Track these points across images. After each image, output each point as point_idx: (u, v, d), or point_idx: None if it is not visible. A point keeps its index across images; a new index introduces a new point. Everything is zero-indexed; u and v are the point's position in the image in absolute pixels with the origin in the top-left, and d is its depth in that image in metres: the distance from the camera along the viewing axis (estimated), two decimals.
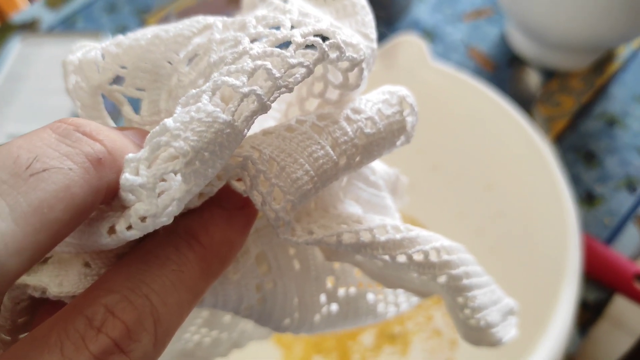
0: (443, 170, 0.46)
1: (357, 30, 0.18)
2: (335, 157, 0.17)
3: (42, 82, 0.63)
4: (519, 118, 0.39)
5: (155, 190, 0.13)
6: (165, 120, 0.13)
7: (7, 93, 0.62)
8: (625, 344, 0.44)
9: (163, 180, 0.13)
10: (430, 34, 0.63)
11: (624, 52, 0.60)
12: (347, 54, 0.16)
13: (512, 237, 0.40)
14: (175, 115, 0.14)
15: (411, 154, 0.47)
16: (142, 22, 0.68)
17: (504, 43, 0.61)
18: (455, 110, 0.43)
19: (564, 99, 0.57)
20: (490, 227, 0.42)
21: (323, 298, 0.22)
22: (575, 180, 0.50)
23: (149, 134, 0.14)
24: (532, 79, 0.58)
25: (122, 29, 0.68)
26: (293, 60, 0.15)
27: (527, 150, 0.38)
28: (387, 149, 0.19)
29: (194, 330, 0.23)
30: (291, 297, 0.21)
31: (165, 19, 0.67)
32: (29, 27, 0.71)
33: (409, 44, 0.43)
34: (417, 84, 0.43)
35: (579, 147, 0.53)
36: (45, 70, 0.64)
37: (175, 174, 0.13)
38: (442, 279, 0.19)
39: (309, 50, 0.16)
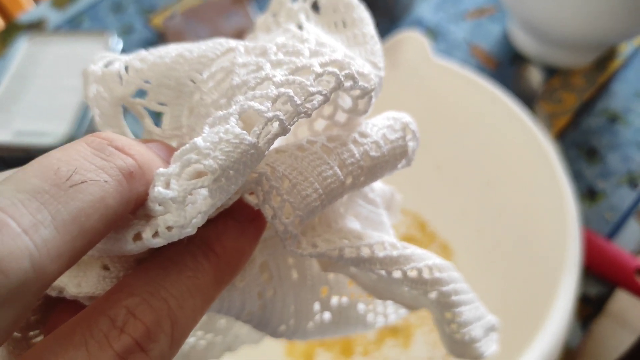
0: (446, 167, 0.46)
1: (366, 59, 0.19)
2: (342, 177, 0.18)
3: (49, 81, 0.63)
4: (521, 114, 0.39)
5: (184, 204, 0.14)
6: (195, 139, 0.14)
7: (14, 91, 0.62)
8: (626, 339, 0.44)
9: (190, 194, 0.14)
10: (432, 32, 0.64)
11: (626, 49, 0.60)
12: (359, 84, 0.17)
13: (514, 232, 0.40)
14: (204, 135, 0.15)
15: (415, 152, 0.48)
16: (148, 22, 0.69)
17: (507, 41, 0.62)
18: (458, 107, 0.44)
19: (566, 96, 0.57)
20: (493, 223, 0.43)
21: (317, 306, 0.22)
22: (577, 176, 0.51)
23: (179, 151, 0.15)
24: (535, 77, 0.58)
25: (128, 29, 0.69)
26: (313, 89, 0.16)
27: (529, 146, 0.38)
28: (389, 171, 0.20)
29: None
30: (289, 304, 0.22)
31: (170, 19, 0.67)
32: (36, 26, 0.72)
33: (411, 40, 0.43)
34: (420, 81, 0.44)
35: (581, 143, 0.53)
36: (52, 69, 0.65)
37: (202, 188, 0.14)
38: (432, 294, 0.20)
39: (325, 78, 0.17)
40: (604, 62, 0.59)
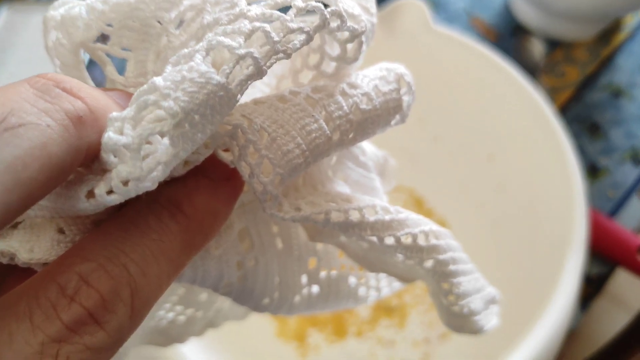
0: (444, 140, 0.44)
1: (357, 3, 0.18)
2: (328, 132, 0.16)
3: (30, 51, 0.61)
4: (524, 84, 0.37)
5: (139, 152, 0.12)
6: (155, 78, 0.13)
7: None
8: (622, 320, 0.43)
9: (148, 142, 0.13)
10: (431, 2, 0.61)
11: (631, 21, 0.58)
12: (348, 24, 0.16)
13: (516, 209, 0.39)
14: (165, 73, 0.13)
15: (411, 124, 0.46)
16: None
17: (508, 12, 0.59)
18: (459, 77, 0.42)
19: (569, 70, 0.55)
20: (494, 200, 0.41)
21: (304, 279, 0.21)
22: (579, 153, 0.49)
23: (136, 92, 0.13)
24: (536, 49, 0.56)
25: None
26: (293, 25, 0.14)
27: (533, 118, 0.37)
28: (382, 127, 0.18)
29: (168, 307, 0.23)
30: (272, 276, 0.20)
31: None
32: None
33: (409, 6, 0.41)
34: (419, 49, 0.41)
35: (584, 118, 0.52)
36: (34, 39, 0.62)
37: (162, 136, 0.12)
38: (429, 263, 0.19)
39: (308, 18, 0.15)
40: (608, 34, 0.57)
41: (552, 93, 0.53)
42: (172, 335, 0.24)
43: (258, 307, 0.21)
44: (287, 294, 0.21)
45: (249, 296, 0.20)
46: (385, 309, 0.41)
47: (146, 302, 0.13)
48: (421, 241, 0.19)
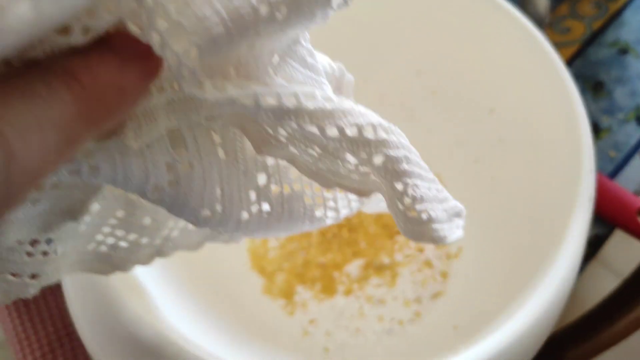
0: (443, 94, 0.42)
1: None
2: (254, 2, 0.14)
3: None
4: (532, 31, 0.35)
5: None
6: None
7: None
8: (611, 284, 0.43)
9: None
10: None
11: None
12: None
13: (519, 166, 0.37)
14: None
15: (408, 77, 0.44)
16: None
17: None
18: (459, 25, 0.39)
19: (574, 25, 0.53)
20: (494, 156, 0.39)
21: (253, 195, 0.20)
22: None
23: None
24: (541, 3, 0.54)
25: None
26: None
27: (539, 69, 0.35)
28: (321, 7, 0.16)
29: (107, 231, 0.22)
30: (212, 185, 0.19)
31: None
32: None
33: None
34: None
35: (588, 76, 0.50)
36: None
37: None
38: (378, 159, 0.17)
39: None
40: None
41: (556, 49, 0.51)
42: (114, 263, 0.22)
43: (198, 221, 0.19)
44: (231, 209, 0.19)
45: (184, 204, 0.18)
46: (376, 268, 0.40)
47: (26, 171, 0.11)
48: (368, 134, 0.17)
